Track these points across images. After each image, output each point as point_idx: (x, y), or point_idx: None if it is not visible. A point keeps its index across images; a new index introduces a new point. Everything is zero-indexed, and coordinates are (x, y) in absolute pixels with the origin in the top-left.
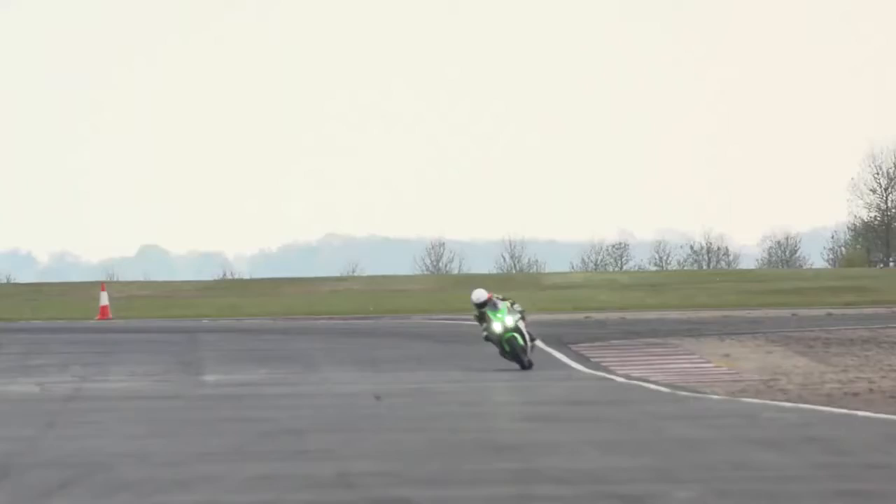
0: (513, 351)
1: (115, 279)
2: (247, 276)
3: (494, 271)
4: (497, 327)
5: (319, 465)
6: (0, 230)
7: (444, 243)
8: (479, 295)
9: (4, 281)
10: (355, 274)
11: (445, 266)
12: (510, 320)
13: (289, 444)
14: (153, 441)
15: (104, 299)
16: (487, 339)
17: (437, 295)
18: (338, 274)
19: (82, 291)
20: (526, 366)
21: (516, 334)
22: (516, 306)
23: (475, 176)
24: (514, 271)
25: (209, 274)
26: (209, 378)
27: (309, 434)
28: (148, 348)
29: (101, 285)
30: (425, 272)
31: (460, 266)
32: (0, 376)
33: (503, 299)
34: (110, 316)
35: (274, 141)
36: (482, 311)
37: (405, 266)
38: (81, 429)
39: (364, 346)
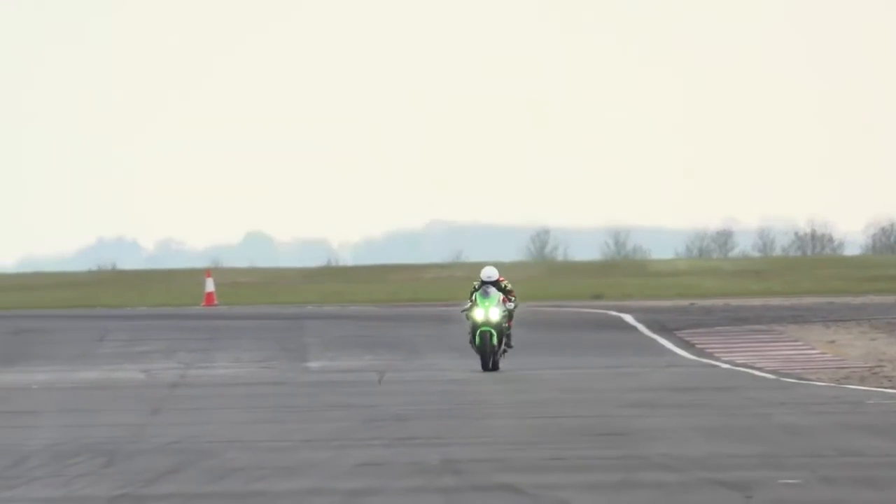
0: (482, 346)
1: (220, 266)
2: (351, 264)
3: (598, 258)
4: (478, 315)
5: (424, 452)
6: (106, 218)
7: (548, 230)
8: (492, 273)
9: (110, 268)
10: (460, 261)
11: (550, 253)
12: (495, 314)
13: (394, 430)
14: (258, 427)
15: (209, 286)
16: (466, 317)
17: (540, 282)
18: (442, 261)
19: (188, 278)
20: (489, 367)
21: (493, 331)
22: (510, 304)
23: (580, 162)
24: (617, 258)
25: (313, 261)
26: (314, 364)
27: (414, 420)
28: (253, 335)
29: (207, 272)
30: (529, 259)
31: (565, 253)
32: (106, 363)
33: (506, 289)
34: (216, 302)
35: (378, 128)
36: (478, 290)
37: (509, 253)
38: (187, 415)
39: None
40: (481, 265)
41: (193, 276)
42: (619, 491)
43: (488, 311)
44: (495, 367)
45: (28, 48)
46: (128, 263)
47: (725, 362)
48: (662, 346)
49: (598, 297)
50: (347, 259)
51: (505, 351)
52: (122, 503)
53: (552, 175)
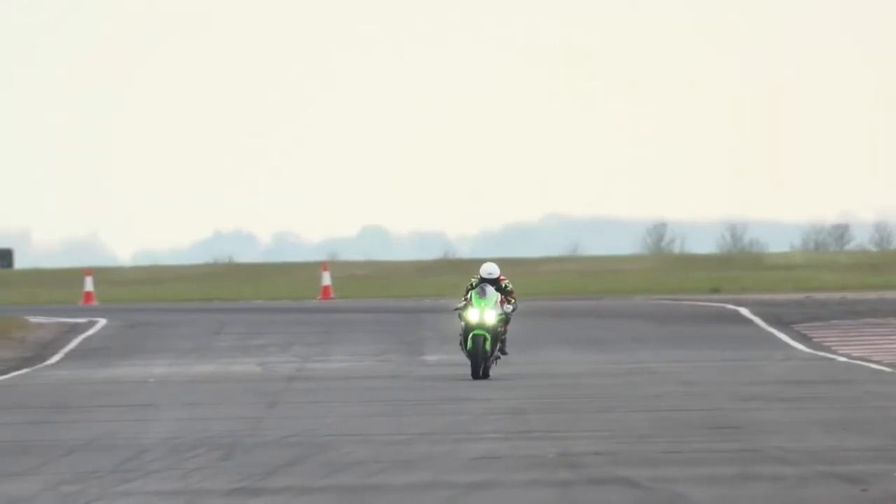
0: (473, 350)
1: (336, 259)
2: (467, 257)
3: (715, 251)
4: (472, 316)
5: (541, 445)
6: (223, 211)
7: (665, 223)
8: (493, 270)
9: (227, 261)
10: (576, 254)
11: (666, 246)
12: (490, 316)
13: (510, 424)
14: (375, 421)
15: (326, 279)
16: (459, 317)
17: (657, 275)
18: (559, 254)
19: (304, 271)
20: (479, 374)
21: (487, 335)
22: (509, 307)
23: (697, 155)
24: (734, 251)
25: (430, 254)
26: (431, 358)
27: (530, 414)
28: (369, 328)
29: (324, 265)
30: (646, 252)
31: (681, 246)
32: (223, 356)
33: (506, 289)
34: (332, 296)
35: (494, 120)
36: (475, 288)
37: (626, 246)
38: (303, 409)
39: (585, 327)
40: (597, 259)
41: (310, 270)
42: (736, 484)
43: (483, 312)
44: (485, 375)
45: (142, 42)
46: (245, 256)
47: (842, 355)
48: (779, 340)
49: (715, 290)
50: (464, 252)
51: (498, 357)
52: (239, 496)
53: (669, 168)
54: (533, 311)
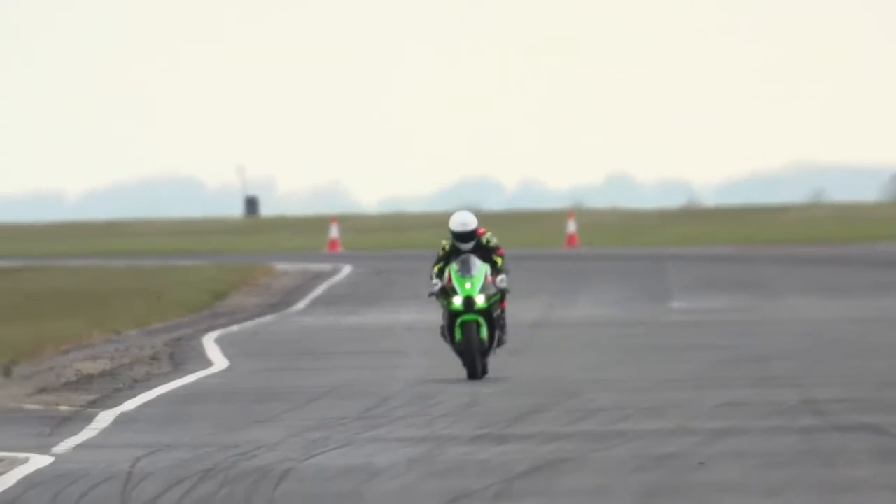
0: (466, 344)
1: (581, 207)
2: (712, 204)
3: None
4: (457, 301)
5: (784, 392)
6: (469, 158)
7: None
8: (468, 220)
9: (472, 208)
10: (820, 201)
11: None
12: (481, 300)
13: (753, 370)
14: (620, 368)
15: (571, 227)
16: (434, 297)
17: None
18: (803, 201)
19: (550, 219)
20: (477, 374)
21: (480, 319)
22: (501, 278)
23: None
24: None
25: (674, 201)
26: (675, 305)
27: (773, 361)
28: (614, 276)
29: (569, 213)
30: (890, 199)
31: None
32: None
33: (489, 245)
34: (577, 244)
35: (739, 67)
36: (450, 254)
37: (870, 193)
38: (549, 355)
39: (828, 274)
40: (841, 206)
41: (555, 218)
42: None
43: (474, 292)
44: (484, 372)
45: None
46: (490, 204)
47: None
48: None
49: None
50: (709, 200)
51: (499, 345)
52: (484, 443)
53: None
54: (777, 259)
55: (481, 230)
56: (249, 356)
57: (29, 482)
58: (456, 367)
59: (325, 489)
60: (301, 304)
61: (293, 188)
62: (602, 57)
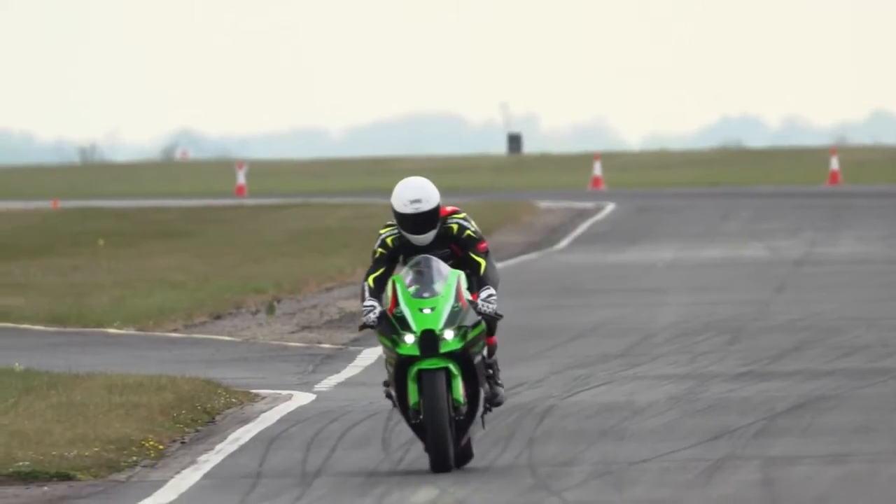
0: (428, 408)
1: (845, 144)
2: None
3: None
4: (409, 339)
5: None
6: (731, 95)
7: None
8: (423, 192)
9: (735, 146)
10: None
11: None
12: (449, 333)
13: None
14: (884, 305)
15: (834, 164)
16: (370, 329)
17: None
18: None
19: (812, 156)
20: (447, 461)
21: (452, 366)
22: (487, 297)
23: None
24: None
25: None
26: None
27: None
28: (878, 213)
29: (832, 150)
30: None
31: None
32: (730, 241)
33: (463, 236)
34: (840, 181)
35: None
36: (395, 255)
37: None
38: (811, 293)
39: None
40: None
41: (818, 155)
42: None
43: (438, 321)
44: (464, 457)
45: None
46: (753, 141)
47: None
48: None
49: None
50: None
51: (488, 410)
52: (746, 380)
53: None
54: None
55: (448, 208)
56: (512, 294)
57: (292, 419)
58: (722, 301)
59: (586, 426)
60: (564, 242)
61: (556, 125)
62: None
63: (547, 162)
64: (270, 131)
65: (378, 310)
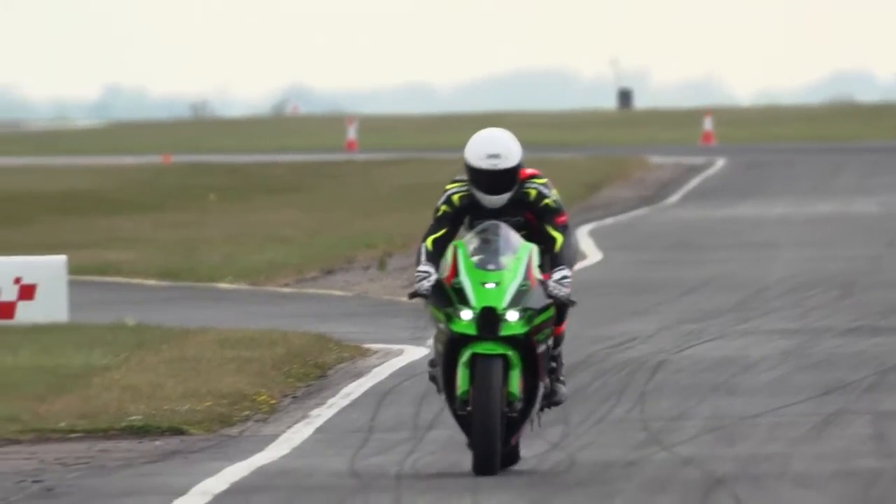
0: (477, 399)
1: None
2: None
3: None
4: (465, 315)
5: None
6: (842, 51)
7: None
8: (497, 145)
9: (846, 101)
10: None
11: None
12: (513, 315)
13: None
14: None
15: None
16: (421, 299)
17: None
18: None
19: None
20: (493, 463)
21: (511, 354)
22: (560, 279)
23: None
24: None
25: None
26: None
27: None
28: None
29: None
30: None
31: None
32: (841, 196)
33: (542, 205)
34: None
35: None
36: (460, 217)
37: None
38: None
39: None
40: None
41: None
42: None
43: (502, 297)
44: (511, 459)
45: None
46: (864, 96)
47: None
48: None
49: None
50: None
51: (547, 406)
52: (857, 335)
53: None
54: None
55: (528, 171)
56: (623, 249)
57: (403, 373)
58: (833, 257)
59: (698, 381)
60: (674, 197)
61: (667, 80)
62: None
63: (657, 117)
64: (380, 86)
65: (433, 277)
